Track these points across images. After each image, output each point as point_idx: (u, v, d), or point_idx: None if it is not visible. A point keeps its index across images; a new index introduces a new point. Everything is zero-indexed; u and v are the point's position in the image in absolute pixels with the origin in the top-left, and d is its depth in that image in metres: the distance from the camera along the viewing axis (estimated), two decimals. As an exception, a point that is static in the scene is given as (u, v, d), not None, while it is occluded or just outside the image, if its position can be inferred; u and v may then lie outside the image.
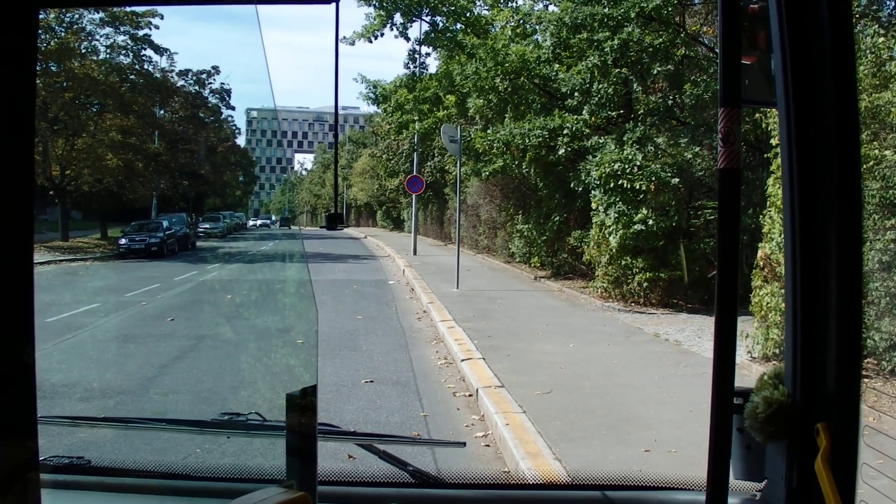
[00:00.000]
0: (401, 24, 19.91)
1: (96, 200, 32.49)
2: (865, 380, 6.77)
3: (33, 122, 0.99)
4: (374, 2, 19.33)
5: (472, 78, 17.83)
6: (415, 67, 23.94)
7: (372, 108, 34.53)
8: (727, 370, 1.29)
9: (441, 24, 20.79)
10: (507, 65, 16.75)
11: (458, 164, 17.87)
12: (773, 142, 8.52)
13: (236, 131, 58.15)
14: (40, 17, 1.05)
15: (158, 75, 35.54)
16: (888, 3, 11.62)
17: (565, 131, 15.50)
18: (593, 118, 15.52)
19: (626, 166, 13.23)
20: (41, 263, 21.23)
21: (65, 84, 28.71)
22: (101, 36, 31.99)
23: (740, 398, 1.50)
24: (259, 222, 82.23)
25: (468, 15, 20.44)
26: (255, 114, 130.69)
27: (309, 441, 1.29)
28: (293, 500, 1.20)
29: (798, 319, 1.42)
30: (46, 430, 1.64)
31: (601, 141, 14.76)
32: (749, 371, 7.75)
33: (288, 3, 1.29)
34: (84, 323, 11.20)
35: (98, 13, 29.78)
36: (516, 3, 19.96)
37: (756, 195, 11.15)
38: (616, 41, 14.28)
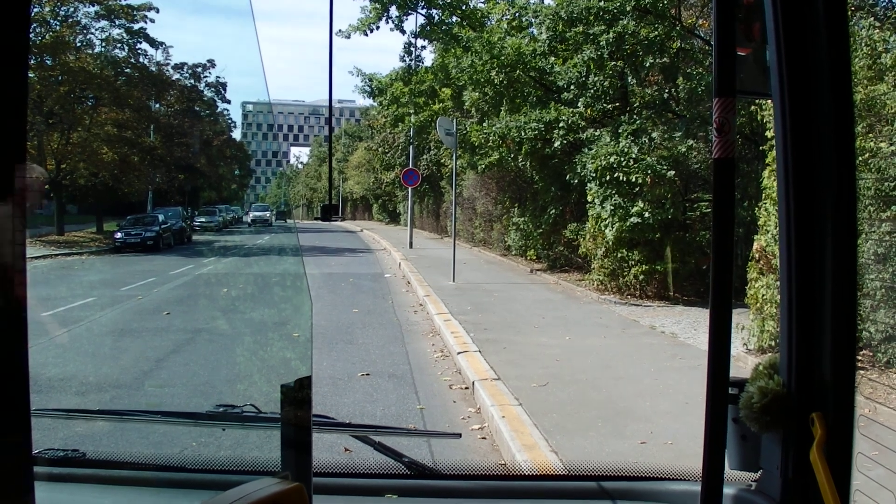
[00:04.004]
0: (396, 17, 19.89)
1: (92, 194, 32.35)
2: (861, 371, 6.79)
3: (25, 116, 0.98)
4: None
5: (467, 71, 17.78)
6: (410, 60, 23.87)
7: (368, 102, 34.46)
8: (722, 361, 1.29)
9: (437, 17, 20.74)
10: (502, 58, 16.72)
11: (454, 157, 17.89)
12: (769, 134, 8.52)
13: (232, 125, 57.97)
14: (35, 10, 1.04)
15: (154, 69, 35.38)
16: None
17: (561, 124, 15.49)
18: (589, 111, 15.50)
19: (622, 159, 13.23)
20: (37, 258, 21.17)
21: (60, 78, 28.59)
22: (96, 29, 31.88)
23: (735, 388, 1.50)
24: (252, 216, 56.29)
25: (464, 8, 20.40)
26: (250, 107, 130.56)
27: (304, 432, 1.29)
28: (287, 492, 1.19)
29: (793, 309, 1.42)
30: (42, 424, 1.63)
31: (597, 134, 14.75)
32: (745, 363, 7.77)
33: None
34: (80, 317, 11.16)
35: (93, 6, 29.69)
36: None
37: (752, 187, 11.17)
38: (612, 34, 14.28)
